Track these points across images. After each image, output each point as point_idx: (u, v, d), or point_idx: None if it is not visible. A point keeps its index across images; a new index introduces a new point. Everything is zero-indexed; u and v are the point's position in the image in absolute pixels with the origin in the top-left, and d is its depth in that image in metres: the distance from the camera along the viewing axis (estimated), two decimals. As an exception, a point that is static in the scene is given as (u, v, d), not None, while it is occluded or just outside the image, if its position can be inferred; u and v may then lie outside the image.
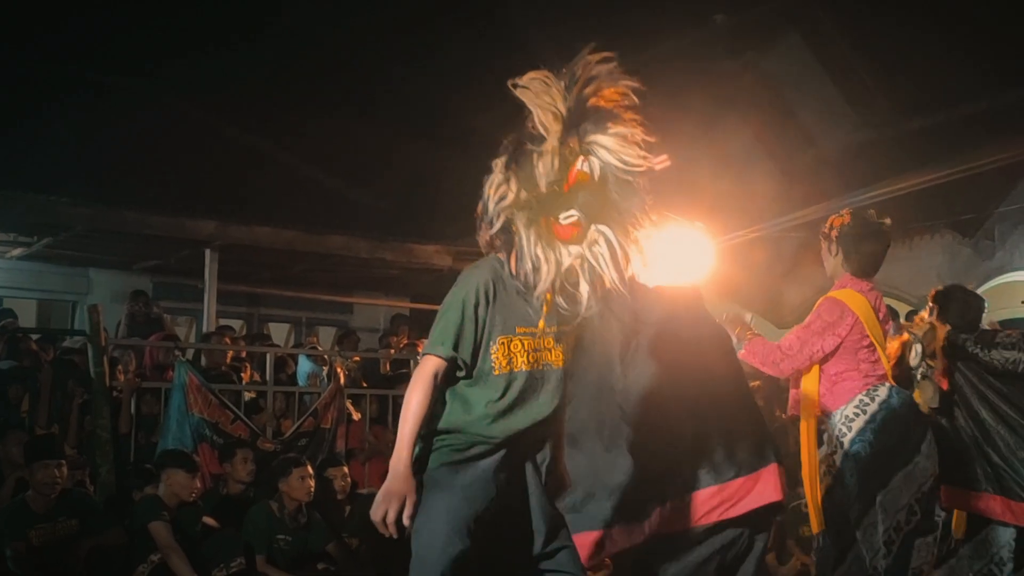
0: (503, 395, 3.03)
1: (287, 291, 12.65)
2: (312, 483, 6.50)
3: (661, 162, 3.00)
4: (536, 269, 2.94)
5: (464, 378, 3.06)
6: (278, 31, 9.06)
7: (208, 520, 6.36)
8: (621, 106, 2.95)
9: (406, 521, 2.92)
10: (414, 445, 2.98)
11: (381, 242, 11.26)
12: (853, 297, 4.57)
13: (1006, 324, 7.23)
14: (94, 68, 8.99)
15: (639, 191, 2.97)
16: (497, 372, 3.04)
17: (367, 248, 11.21)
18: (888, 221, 4.73)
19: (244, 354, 9.34)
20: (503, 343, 3.04)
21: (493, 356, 3.03)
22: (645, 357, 4.03)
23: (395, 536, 2.93)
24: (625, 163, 2.92)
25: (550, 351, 3.10)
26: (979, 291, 6.26)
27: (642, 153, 2.94)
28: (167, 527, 5.90)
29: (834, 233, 4.70)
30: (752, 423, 4.26)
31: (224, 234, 10.36)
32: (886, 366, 4.61)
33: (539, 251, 2.93)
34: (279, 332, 13.31)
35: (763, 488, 4.08)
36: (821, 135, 10.09)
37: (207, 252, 10.53)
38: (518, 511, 3.09)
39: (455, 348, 3.01)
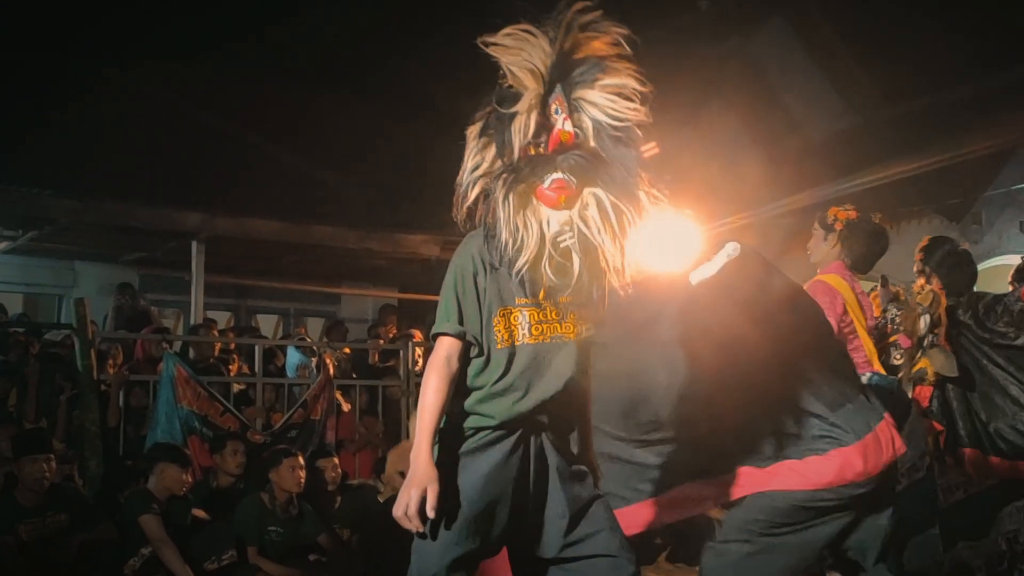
0: (506, 371, 2.84)
1: (275, 282, 12.62)
2: (303, 474, 6.49)
3: (650, 149, 2.87)
4: (515, 240, 2.72)
5: (476, 356, 2.86)
6: (265, 21, 9.01)
7: (198, 513, 6.34)
8: (611, 56, 2.73)
9: (430, 512, 2.72)
10: (434, 436, 2.80)
11: (368, 232, 11.22)
12: (839, 282, 4.62)
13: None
14: (78, 59, 8.93)
15: (634, 147, 2.76)
16: (500, 346, 2.84)
17: (354, 238, 11.18)
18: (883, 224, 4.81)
19: (233, 346, 9.32)
20: (504, 315, 2.84)
21: (496, 329, 2.84)
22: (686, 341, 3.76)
23: (421, 530, 2.74)
24: (616, 118, 2.72)
25: (559, 323, 2.87)
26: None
27: (634, 106, 2.72)
28: (158, 520, 5.88)
29: (838, 225, 4.74)
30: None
31: (211, 226, 10.32)
32: (869, 352, 4.63)
33: (519, 220, 2.71)
34: (267, 324, 13.28)
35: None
36: (807, 120, 10.08)
37: (194, 244, 10.48)
38: (537, 501, 2.89)
39: (461, 322, 2.83)
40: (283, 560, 6.32)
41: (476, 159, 2.79)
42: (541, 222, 2.73)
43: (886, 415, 3.80)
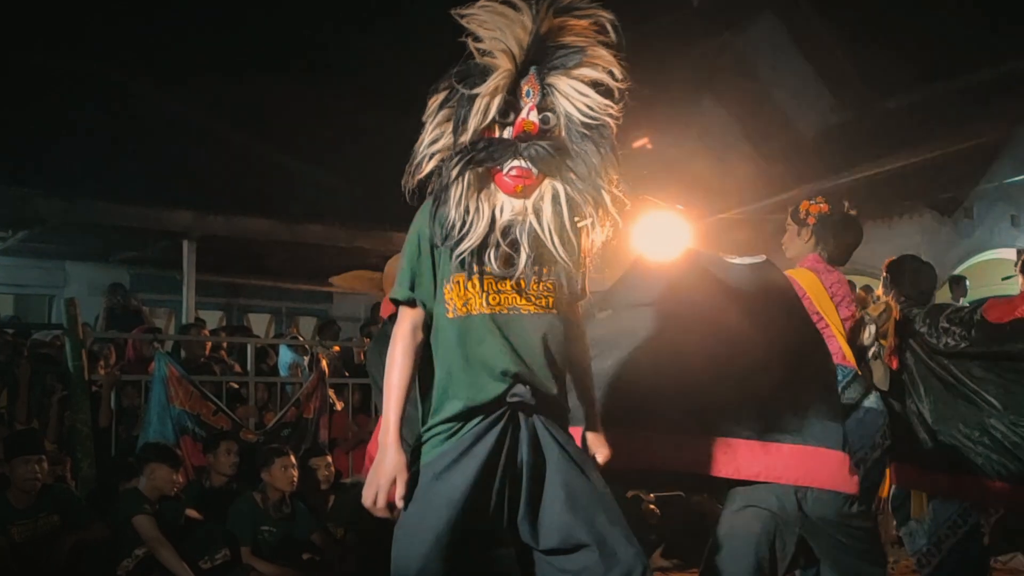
0: (460, 344, 2.65)
1: (266, 281, 12.61)
2: (295, 473, 6.47)
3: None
4: (463, 224, 2.57)
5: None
6: (255, 18, 9.00)
7: (191, 513, 6.32)
8: (591, 43, 2.58)
9: (399, 503, 2.61)
10: (402, 414, 2.65)
11: (360, 231, 11.22)
12: (804, 275, 4.60)
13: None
14: (67, 59, 8.90)
15: (603, 144, 2.60)
16: (451, 315, 2.66)
17: (345, 237, 11.17)
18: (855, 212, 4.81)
19: (225, 345, 9.29)
20: (458, 282, 2.65)
21: (447, 297, 2.66)
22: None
23: (391, 517, 2.65)
24: (587, 113, 2.57)
25: (518, 294, 2.66)
26: (959, 269, 6.32)
27: (607, 102, 2.58)
28: (152, 520, 5.85)
29: (811, 220, 4.72)
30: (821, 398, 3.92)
31: (202, 225, 10.31)
32: (841, 345, 4.60)
33: (471, 203, 2.57)
34: (259, 322, 13.26)
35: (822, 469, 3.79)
36: (798, 116, 10.11)
37: (185, 243, 10.47)
38: (533, 491, 2.69)
39: (411, 288, 2.68)
40: (277, 559, 6.30)
41: (435, 132, 2.64)
42: (494, 208, 2.60)
43: (847, 453, 3.78)
